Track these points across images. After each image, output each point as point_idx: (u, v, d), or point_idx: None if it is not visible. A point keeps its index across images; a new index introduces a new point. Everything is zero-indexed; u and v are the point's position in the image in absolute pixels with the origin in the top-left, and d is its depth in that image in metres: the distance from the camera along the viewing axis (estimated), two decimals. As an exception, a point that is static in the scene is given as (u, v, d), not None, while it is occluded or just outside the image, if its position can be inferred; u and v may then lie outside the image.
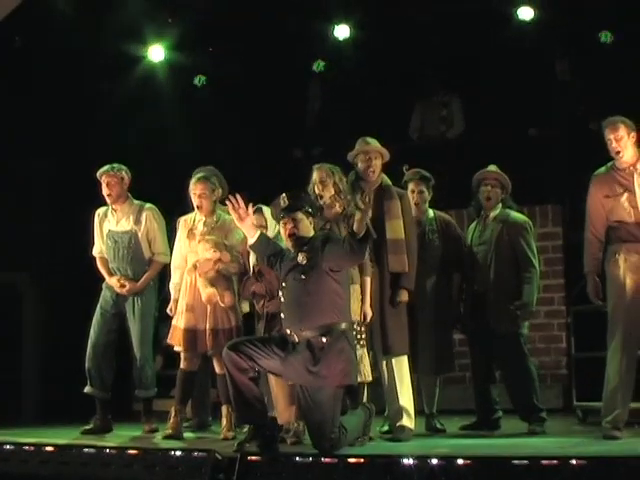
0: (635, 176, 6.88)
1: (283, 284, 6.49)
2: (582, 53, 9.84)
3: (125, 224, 8.00)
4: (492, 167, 7.77)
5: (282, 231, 6.57)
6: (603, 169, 7.05)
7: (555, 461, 5.51)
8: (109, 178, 7.93)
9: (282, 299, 6.48)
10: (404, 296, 7.13)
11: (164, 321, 8.12)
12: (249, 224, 6.65)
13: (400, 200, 7.25)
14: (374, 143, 7.36)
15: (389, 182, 7.34)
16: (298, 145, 10.79)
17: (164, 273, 8.09)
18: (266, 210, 7.21)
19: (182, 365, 7.54)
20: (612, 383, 6.82)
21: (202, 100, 10.59)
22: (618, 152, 6.89)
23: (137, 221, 7.99)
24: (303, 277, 6.34)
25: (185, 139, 10.09)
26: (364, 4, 9.80)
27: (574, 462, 5.47)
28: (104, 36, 9.50)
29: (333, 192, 7.04)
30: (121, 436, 7.61)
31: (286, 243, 6.60)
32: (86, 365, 7.90)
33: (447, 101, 10.54)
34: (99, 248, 8.08)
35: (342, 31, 10.08)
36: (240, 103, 10.46)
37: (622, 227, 6.88)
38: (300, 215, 6.48)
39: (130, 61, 10.13)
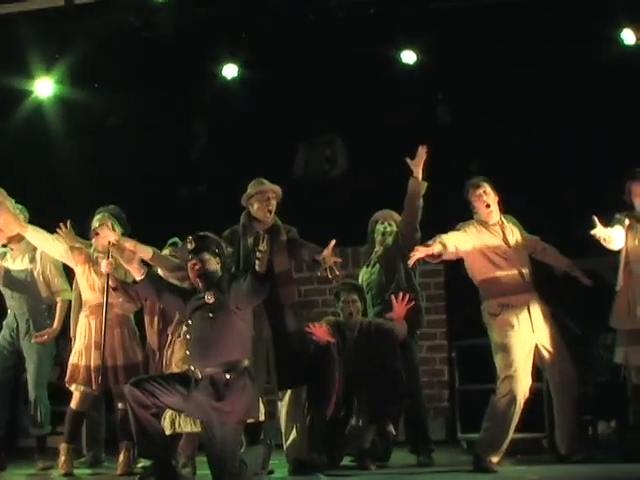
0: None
1: (189, 322, 6.65)
2: (462, 97, 10.21)
3: (20, 263, 7.99)
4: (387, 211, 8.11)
5: (190, 273, 6.71)
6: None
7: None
8: (7, 216, 7.92)
9: (187, 336, 6.62)
10: None
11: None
12: (136, 265, 6.83)
13: (287, 235, 7.43)
14: (268, 183, 7.50)
15: (279, 221, 7.50)
16: (184, 183, 10.93)
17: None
18: (181, 244, 7.38)
19: (73, 404, 7.59)
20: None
21: (92, 137, 10.61)
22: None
23: (32, 259, 8.00)
24: (211, 315, 6.52)
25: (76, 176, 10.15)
26: (252, 45, 10.04)
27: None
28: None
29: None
30: (17, 474, 7.64)
31: (194, 283, 6.74)
32: None
33: (331, 140, 10.83)
34: None
35: (230, 70, 10.27)
36: (127, 140, 10.53)
37: None
38: (207, 256, 6.66)
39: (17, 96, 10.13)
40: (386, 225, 7.96)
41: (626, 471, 6.56)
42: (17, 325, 7.94)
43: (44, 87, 10.20)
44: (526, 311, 7.17)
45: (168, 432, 6.76)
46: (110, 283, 7.36)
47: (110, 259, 7.32)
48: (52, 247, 7.69)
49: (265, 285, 6.40)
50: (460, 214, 7.91)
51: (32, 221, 8.06)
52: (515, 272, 7.23)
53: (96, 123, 10.65)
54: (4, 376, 7.96)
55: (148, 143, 10.56)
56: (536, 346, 7.19)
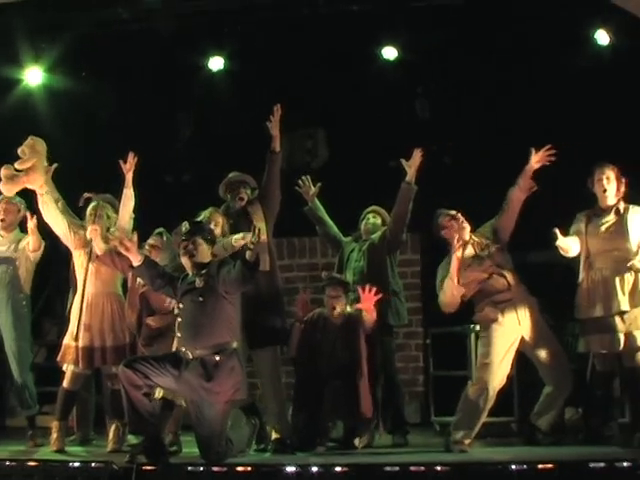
0: None
1: (180, 305, 6.98)
2: (440, 93, 10.50)
3: (5, 251, 8.27)
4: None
5: (181, 253, 7.05)
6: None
7: (422, 467, 6.17)
8: (8, 205, 8.21)
9: (179, 319, 6.95)
10: None
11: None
12: (134, 251, 7.14)
13: (261, 204, 7.79)
14: (244, 175, 7.98)
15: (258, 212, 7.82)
16: (169, 171, 11.19)
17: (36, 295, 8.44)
18: (166, 233, 7.70)
19: (65, 384, 7.86)
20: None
21: (76, 125, 10.82)
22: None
23: (16, 249, 8.28)
24: (201, 299, 6.86)
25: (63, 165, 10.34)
26: (237, 38, 10.29)
27: (439, 468, 6.15)
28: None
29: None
30: (8, 451, 7.79)
31: (185, 264, 7.06)
32: None
33: (313, 133, 11.12)
34: None
35: (216, 63, 10.54)
36: (114, 129, 10.73)
37: None
38: (200, 240, 7.01)
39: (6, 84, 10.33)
40: (376, 219, 8.38)
41: (590, 453, 6.86)
42: None
43: (34, 76, 10.41)
44: (512, 306, 7.51)
45: (160, 396, 7.03)
46: (95, 249, 7.69)
47: (95, 225, 7.65)
48: (58, 221, 7.95)
49: (254, 273, 6.74)
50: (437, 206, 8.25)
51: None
52: (495, 276, 7.59)
53: (84, 112, 10.81)
54: None
55: (134, 132, 10.75)
56: (522, 338, 7.53)
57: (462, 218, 7.70)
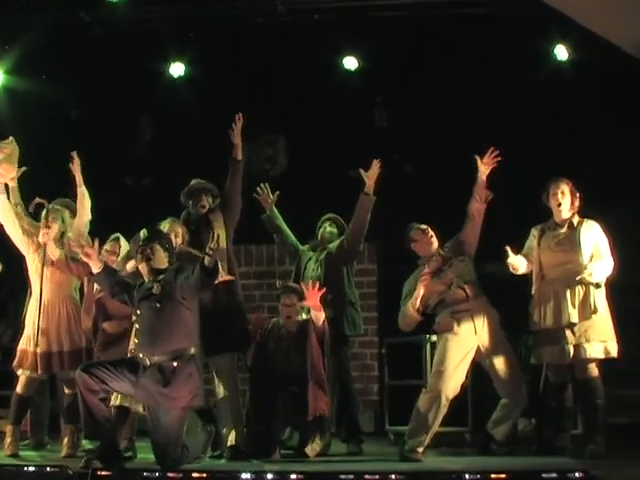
0: None
1: (138, 311, 6.98)
2: (398, 102, 10.59)
3: None
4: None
5: (137, 259, 7.05)
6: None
7: (377, 476, 6.20)
8: None
9: (136, 325, 6.95)
10: None
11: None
12: (95, 258, 7.14)
13: (222, 212, 7.81)
14: (205, 183, 7.97)
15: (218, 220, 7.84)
16: (129, 174, 11.18)
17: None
18: (122, 239, 7.70)
19: (19, 389, 7.83)
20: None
21: (36, 127, 10.77)
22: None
23: None
24: (158, 305, 6.87)
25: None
26: (199, 45, 10.31)
27: (393, 477, 6.19)
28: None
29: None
30: (-38, 455, 7.77)
31: (141, 270, 7.07)
32: None
33: (273, 140, 11.15)
34: None
35: (177, 69, 10.56)
36: (74, 132, 10.73)
37: None
38: (157, 246, 7.04)
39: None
40: (333, 227, 8.39)
41: (543, 464, 6.93)
42: None
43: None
44: (469, 316, 7.59)
45: (117, 403, 7.07)
46: (49, 254, 7.67)
47: (46, 229, 7.66)
48: (13, 227, 7.93)
49: (213, 279, 6.76)
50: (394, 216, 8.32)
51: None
52: (454, 287, 7.68)
53: (44, 114, 10.78)
54: None
55: (94, 136, 10.75)
56: (478, 348, 7.61)
57: (431, 233, 7.79)
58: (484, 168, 7.67)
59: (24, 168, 8.10)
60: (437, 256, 7.76)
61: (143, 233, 7.14)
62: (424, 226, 7.84)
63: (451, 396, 7.51)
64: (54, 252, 7.79)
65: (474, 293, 7.67)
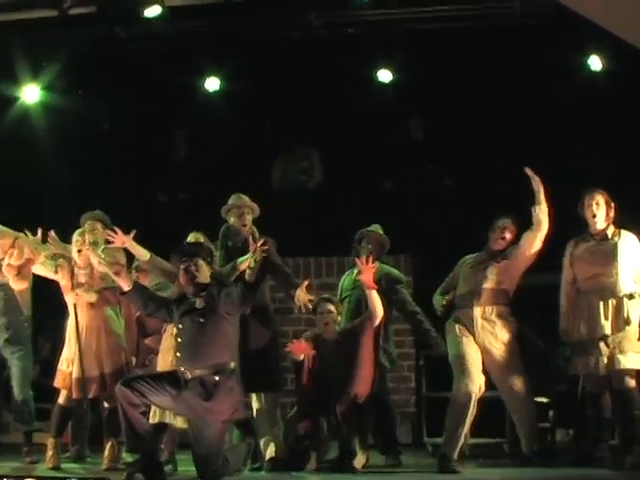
0: None
1: (180, 325, 7.04)
2: (434, 114, 10.60)
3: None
4: (376, 227, 8.38)
5: (181, 276, 7.09)
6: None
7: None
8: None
9: (178, 339, 7.02)
10: None
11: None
12: (124, 276, 7.21)
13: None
14: (246, 199, 7.95)
15: (257, 234, 7.82)
16: (164, 190, 11.26)
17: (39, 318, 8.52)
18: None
19: (60, 400, 7.91)
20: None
21: (72, 142, 10.86)
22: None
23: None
24: (202, 320, 6.93)
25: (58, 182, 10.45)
26: (234, 59, 10.39)
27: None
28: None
29: None
30: (4, 467, 7.81)
31: (185, 287, 7.13)
32: None
33: (309, 153, 11.20)
34: None
35: (212, 83, 10.63)
36: (110, 147, 10.84)
37: None
38: (200, 261, 7.09)
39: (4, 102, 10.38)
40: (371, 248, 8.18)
41: (581, 474, 6.95)
42: None
43: (31, 93, 10.46)
44: (474, 322, 7.66)
45: (156, 420, 7.13)
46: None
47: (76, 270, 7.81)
48: (45, 271, 8.06)
49: (254, 293, 6.86)
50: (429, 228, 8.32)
51: (15, 225, 8.36)
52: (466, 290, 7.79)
53: (80, 130, 10.88)
54: None
55: (130, 151, 10.86)
56: (489, 357, 7.65)
57: (506, 234, 7.81)
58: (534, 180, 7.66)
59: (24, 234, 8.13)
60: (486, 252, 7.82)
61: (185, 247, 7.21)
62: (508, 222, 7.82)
63: (479, 394, 7.53)
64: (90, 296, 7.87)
65: (493, 300, 7.68)
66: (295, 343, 7.57)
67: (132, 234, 7.39)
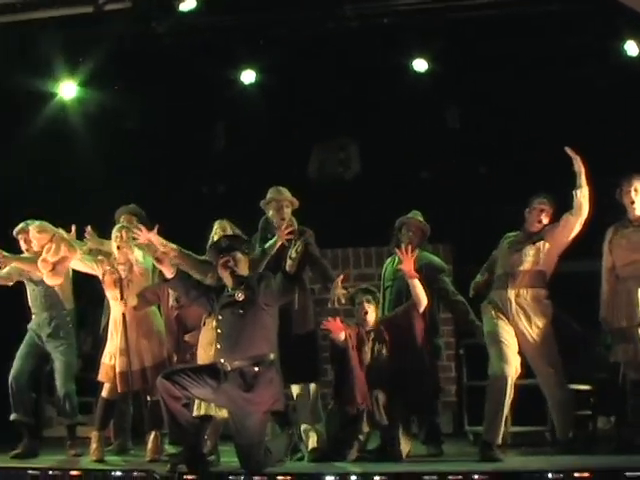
0: None
1: (219, 317, 7.09)
2: (470, 103, 10.60)
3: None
4: (415, 214, 8.37)
5: (220, 269, 7.13)
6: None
7: (460, 476, 6.25)
8: (24, 235, 8.36)
9: (218, 331, 7.05)
10: None
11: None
12: (167, 263, 7.23)
13: (301, 236, 7.74)
14: (285, 193, 7.98)
15: (296, 225, 7.89)
16: (205, 182, 11.31)
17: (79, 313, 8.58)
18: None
19: (104, 393, 7.99)
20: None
21: (110, 138, 10.95)
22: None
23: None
24: (241, 312, 6.97)
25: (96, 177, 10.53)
26: (269, 51, 10.41)
27: (476, 477, 6.25)
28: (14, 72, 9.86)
29: None
30: (49, 460, 7.92)
31: (224, 278, 7.16)
32: (10, 393, 8.25)
33: (345, 144, 11.21)
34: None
35: (248, 76, 10.66)
36: (148, 141, 10.92)
37: None
38: (239, 255, 7.13)
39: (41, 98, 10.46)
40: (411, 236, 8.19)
41: (623, 461, 6.92)
42: (42, 329, 8.32)
43: (68, 89, 10.54)
44: (509, 305, 7.64)
45: (200, 413, 7.18)
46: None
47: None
48: (84, 267, 8.16)
49: (294, 285, 6.89)
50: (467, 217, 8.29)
51: (51, 220, 8.46)
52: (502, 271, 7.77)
53: (117, 125, 10.98)
54: (31, 370, 8.34)
55: (168, 145, 10.93)
56: (524, 340, 7.62)
57: (541, 217, 7.79)
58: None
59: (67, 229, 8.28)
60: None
61: (223, 240, 7.21)
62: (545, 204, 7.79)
63: (515, 375, 7.50)
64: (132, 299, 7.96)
65: (528, 282, 7.65)
66: (330, 320, 7.54)
67: (155, 229, 7.44)
